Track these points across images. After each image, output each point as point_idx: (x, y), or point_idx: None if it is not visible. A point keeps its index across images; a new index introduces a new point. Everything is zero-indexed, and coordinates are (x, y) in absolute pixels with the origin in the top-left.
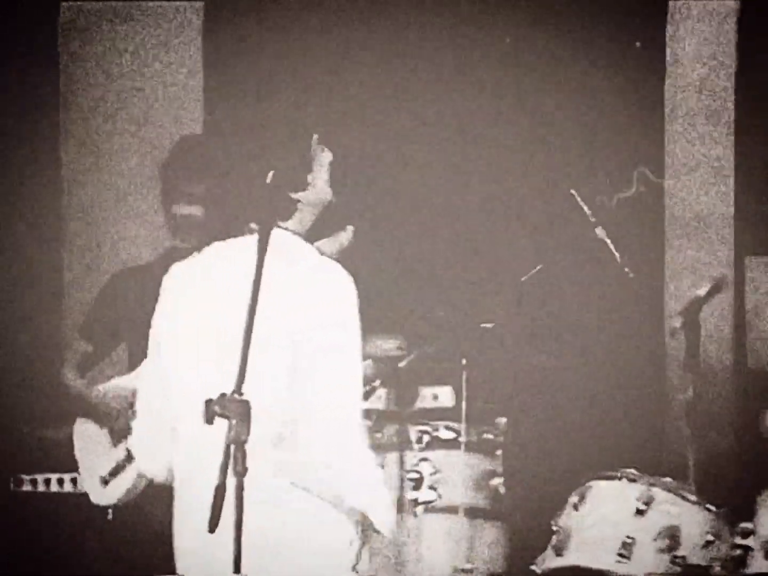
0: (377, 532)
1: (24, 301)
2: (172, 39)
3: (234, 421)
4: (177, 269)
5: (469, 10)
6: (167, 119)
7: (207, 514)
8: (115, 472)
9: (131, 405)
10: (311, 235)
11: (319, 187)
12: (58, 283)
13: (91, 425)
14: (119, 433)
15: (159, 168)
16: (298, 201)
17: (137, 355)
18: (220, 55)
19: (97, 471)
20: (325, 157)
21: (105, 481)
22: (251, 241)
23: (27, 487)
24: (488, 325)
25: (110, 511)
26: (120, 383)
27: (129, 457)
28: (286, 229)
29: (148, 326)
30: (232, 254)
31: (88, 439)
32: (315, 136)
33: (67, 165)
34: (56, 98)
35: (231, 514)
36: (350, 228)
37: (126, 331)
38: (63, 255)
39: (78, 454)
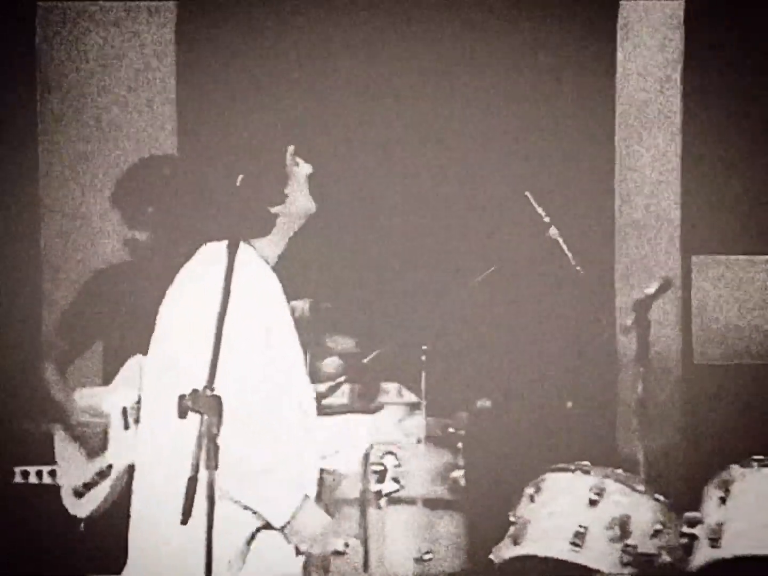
0: (272, 526)
1: (3, 298)
2: (146, 40)
3: (206, 416)
4: (179, 274)
5: (438, 21)
6: (141, 121)
7: (169, 507)
8: (88, 486)
9: (106, 419)
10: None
11: (296, 199)
12: (37, 281)
13: (68, 440)
14: (94, 450)
15: (110, 195)
16: (277, 215)
17: (112, 354)
18: (194, 60)
19: (72, 483)
20: (302, 169)
21: (79, 494)
22: (220, 247)
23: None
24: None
25: (82, 524)
26: (97, 394)
27: (102, 474)
28: (251, 244)
29: (123, 325)
30: (208, 262)
31: (65, 452)
32: (291, 148)
33: (45, 164)
34: (33, 99)
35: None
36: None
37: (101, 330)
38: (41, 254)
39: (58, 462)
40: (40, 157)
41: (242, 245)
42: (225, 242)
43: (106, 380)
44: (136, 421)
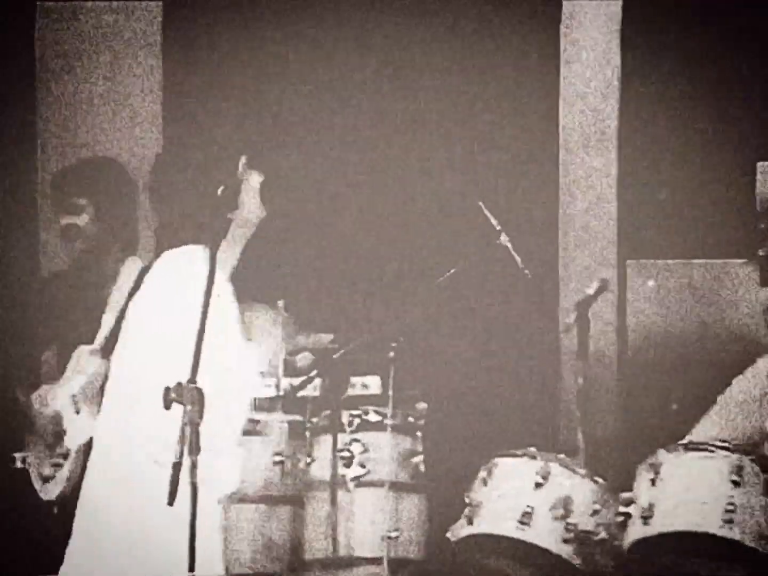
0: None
1: None
2: (131, 39)
3: (189, 407)
4: (152, 269)
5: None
6: (127, 119)
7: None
8: (53, 471)
9: (59, 409)
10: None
11: (248, 206)
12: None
13: (32, 433)
14: (54, 439)
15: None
16: (231, 221)
17: (66, 357)
18: (179, 64)
19: (39, 470)
20: (254, 179)
21: (46, 479)
22: (198, 251)
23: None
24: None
25: (55, 507)
26: (51, 390)
27: (64, 457)
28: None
29: (74, 327)
30: (183, 264)
31: (32, 444)
32: (243, 158)
33: (43, 161)
34: (33, 98)
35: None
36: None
37: (55, 335)
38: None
39: (30, 454)
40: (38, 153)
41: (201, 249)
42: (189, 247)
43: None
44: (86, 403)
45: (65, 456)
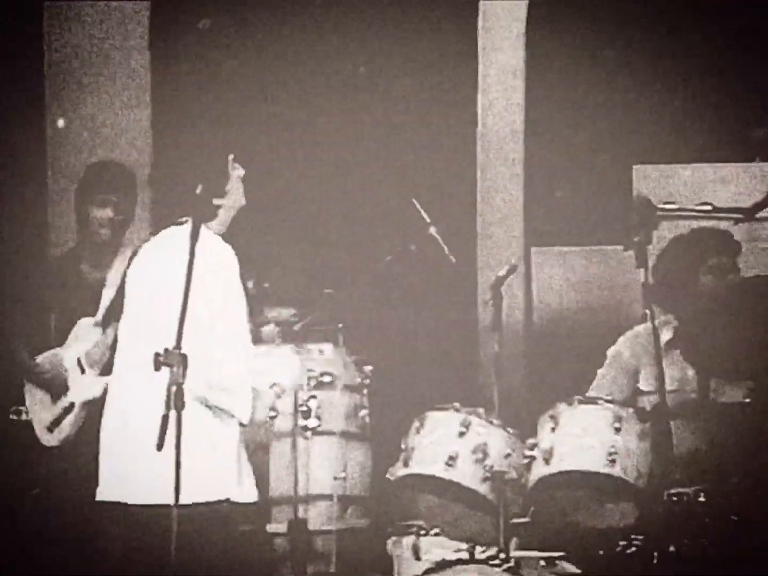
0: (242, 424)
1: None
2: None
3: (174, 368)
4: (141, 251)
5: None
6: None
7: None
8: (56, 422)
9: (65, 370)
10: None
11: (234, 194)
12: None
13: (35, 389)
14: (57, 394)
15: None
16: (219, 206)
17: (62, 324)
18: (168, 65)
19: (43, 422)
20: (238, 172)
21: (50, 429)
22: (185, 229)
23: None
24: (329, 291)
25: (58, 450)
26: (56, 352)
27: (66, 410)
28: (208, 227)
29: (71, 300)
30: (169, 241)
31: (34, 398)
32: (231, 156)
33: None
34: (42, 101)
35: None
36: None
37: (56, 307)
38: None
39: (29, 408)
40: (48, 151)
41: (203, 226)
42: (185, 224)
43: (59, 344)
44: (90, 366)
45: (67, 409)
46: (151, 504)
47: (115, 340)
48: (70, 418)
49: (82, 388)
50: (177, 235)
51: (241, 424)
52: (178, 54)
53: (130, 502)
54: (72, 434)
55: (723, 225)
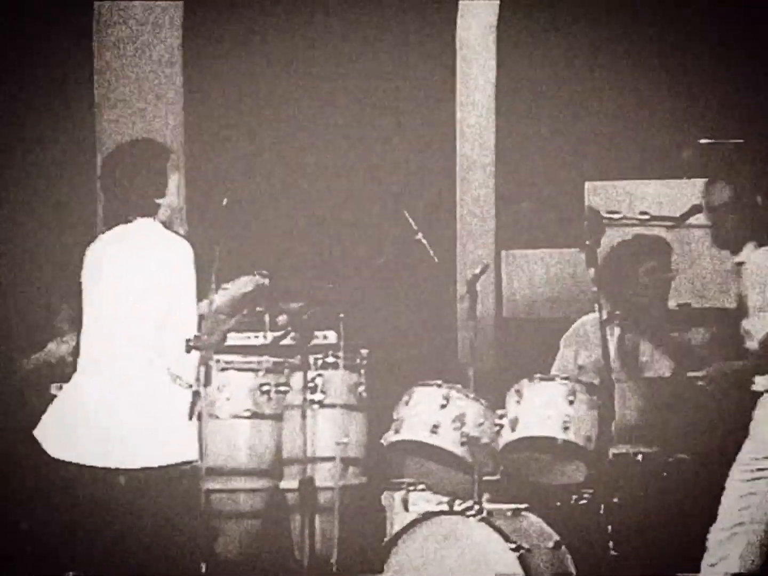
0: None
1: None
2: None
3: (204, 352)
4: (93, 247)
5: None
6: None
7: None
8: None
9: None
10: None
11: (171, 196)
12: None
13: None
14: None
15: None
16: (159, 205)
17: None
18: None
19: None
20: (175, 177)
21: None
22: (136, 225)
23: None
24: (331, 286)
25: None
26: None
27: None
28: (155, 220)
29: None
30: (125, 236)
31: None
32: (172, 157)
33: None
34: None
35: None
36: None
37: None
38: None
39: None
40: (97, 139)
41: (153, 222)
42: (134, 222)
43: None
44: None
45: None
46: (176, 463)
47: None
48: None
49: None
50: (129, 231)
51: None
52: (208, 50)
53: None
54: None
55: (657, 231)
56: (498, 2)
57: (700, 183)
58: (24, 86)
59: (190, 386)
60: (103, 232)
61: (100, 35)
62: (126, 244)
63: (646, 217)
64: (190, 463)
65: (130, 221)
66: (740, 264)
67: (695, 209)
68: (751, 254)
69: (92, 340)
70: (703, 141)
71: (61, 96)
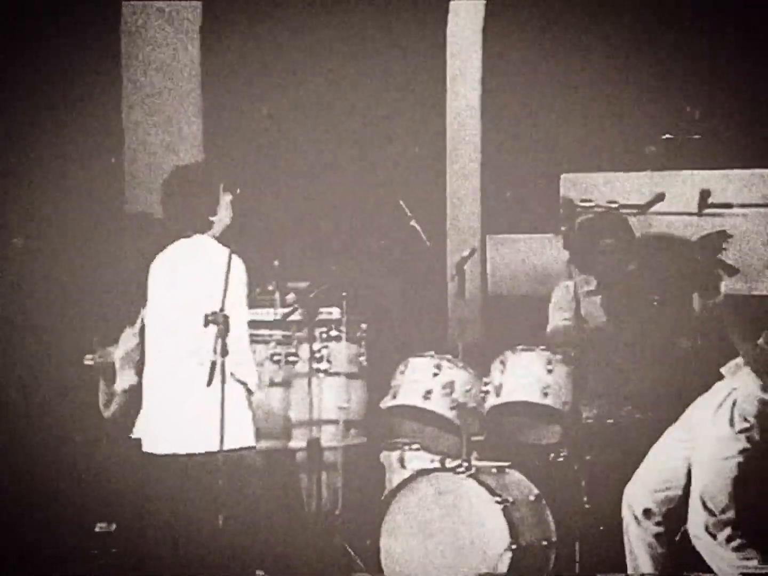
0: (250, 390)
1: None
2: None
3: (220, 326)
4: (157, 259)
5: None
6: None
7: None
8: (107, 403)
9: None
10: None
11: (222, 213)
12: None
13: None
14: (108, 382)
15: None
16: (212, 222)
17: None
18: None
19: (100, 401)
20: (226, 197)
21: (105, 406)
22: (194, 241)
23: None
24: (335, 268)
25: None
26: (110, 350)
27: (111, 396)
28: (212, 236)
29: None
30: (188, 249)
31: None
32: (221, 185)
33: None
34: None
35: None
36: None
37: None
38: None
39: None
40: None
41: (208, 238)
42: (192, 238)
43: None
44: (129, 363)
45: (112, 394)
46: (196, 452)
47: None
48: (114, 402)
49: (122, 380)
50: (188, 245)
51: (249, 391)
52: (226, 47)
53: (180, 452)
54: (117, 412)
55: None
56: (484, 3)
57: (662, 175)
58: (53, 84)
59: (250, 391)
60: (161, 246)
61: (127, 34)
62: (186, 258)
63: (615, 205)
64: (249, 449)
65: (189, 236)
66: None
67: (658, 198)
68: None
69: (156, 339)
70: (665, 137)
71: (88, 94)
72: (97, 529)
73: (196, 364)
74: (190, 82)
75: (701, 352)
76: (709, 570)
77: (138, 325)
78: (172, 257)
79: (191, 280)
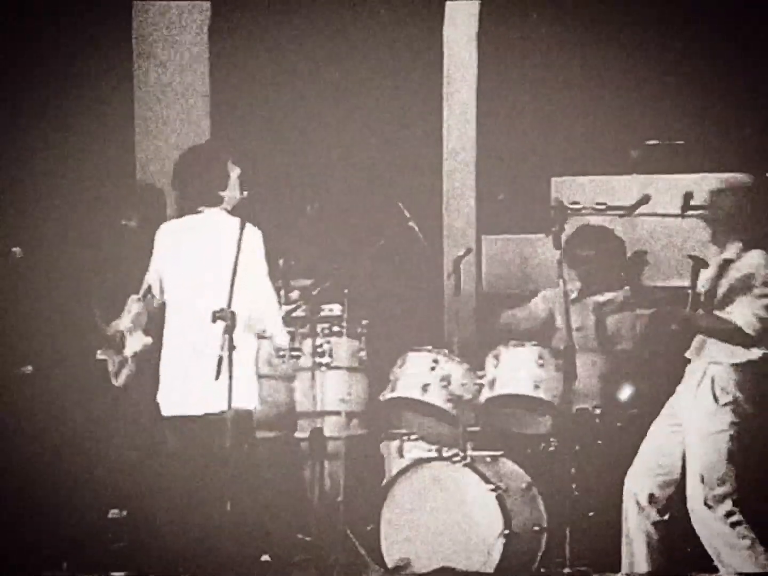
0: (282, 347)
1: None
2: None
3: (227, 322)
4: (164, 231)
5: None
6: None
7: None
8: (117, 372)
9: (121, 335)
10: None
11: (232, 188)
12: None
13: (106, 349)
14: (117, 351)
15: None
16: (223, 197)
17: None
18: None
19: (110, 371)
20: (236, 172)
21: (116, 375)
22: (206, 216)
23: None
24: (337, 266)
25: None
26: (116, 322)
27: (122, 364)
28: (224, 209)
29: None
30: (198, 223)
31: (106, 353)
32: (230, 160)
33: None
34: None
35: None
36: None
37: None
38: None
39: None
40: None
41: (219, 210)
42: (203, 213)
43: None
44: (137, 328)
45: (122, 362)
46: (205, 413)
47: (151, 308)
48: (125, 369)
49: (132, 344)
50: (201, 220)
51: (280, 349)
52: (234, 45)
53: (188, 413)
54: (128, 380)
55: (610, 219)
56: (478, 6)
57: (646, 178)
58: (65, 83)
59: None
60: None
61: (138, 33)
62: (200, 230)
63: (602, 207)
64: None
65: (200, 212)
66: (728, 261)
67: (644, 200)
68: (742, 254)
69: (174, 309)
70: (649, 143)
71: (100, 94)
72: (110, 516)
73: (213, 332)
74: (200, 81)
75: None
76: (710, 569)
77: (143, 290)
78: (183, 227)
79: (203, 250)
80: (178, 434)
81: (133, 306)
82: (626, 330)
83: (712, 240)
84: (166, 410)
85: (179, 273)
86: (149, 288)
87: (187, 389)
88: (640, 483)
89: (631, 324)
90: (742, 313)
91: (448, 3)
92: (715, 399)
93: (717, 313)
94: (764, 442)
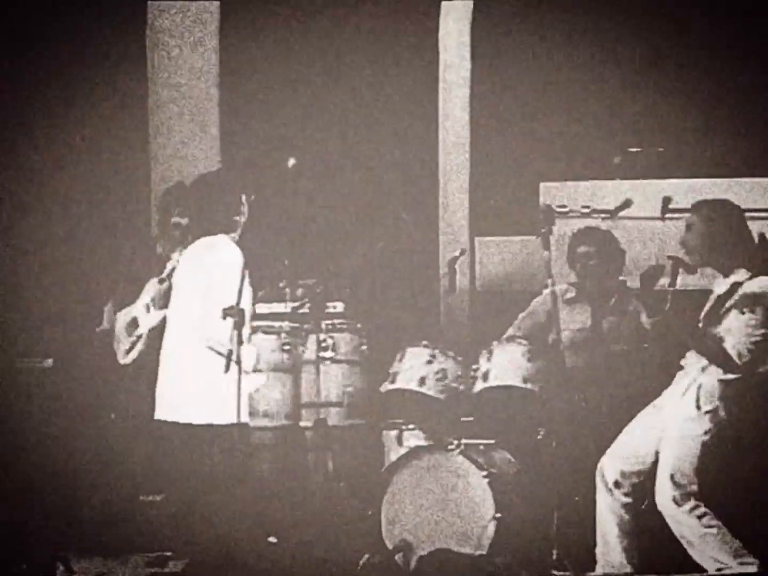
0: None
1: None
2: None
3: (236, 318)
4: (186, 251)
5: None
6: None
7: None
8: (131, 348)
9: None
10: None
11: (245, 216)
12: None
13: (120, 330)
14: (131, 330)
15: (160, 196)
16: (237, 221)
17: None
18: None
19: (123, 348)
20: (247, 204)
21: (127, 352)
22: (215, 239)
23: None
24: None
25: (130, 368)
26: (129, 309)
27: (137, 340)
28: (232, 237)
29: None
30: (210, 246)
31: (118, 337)
32: (243, 196)
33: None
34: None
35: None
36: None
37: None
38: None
39: (117, 339)
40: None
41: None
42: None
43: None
44: (155, 306)
45: (138, 338)
46: (214, 424)
47: (168, 297)
48: (139, 345)
49: (148, 321)
50: (211, 242)
51: (245, 372)
52: (244, 44)
53: (189, 421)
54: (140, 357)
55: (595, 222)
56: (472, 7)
57: (629, 183)
58: (80, 82)
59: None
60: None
61: (151, 33)
62: (197, 255)
63: (588, 210)
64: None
65: (214, 234)
66: (737, 284)
67: (626, 204)
68: (746, 280)
69: (171, 323)
70: (631, 149)
71: (114, 93)
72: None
73: (193, 343)
74: (209, 81)
75: (659, 353)
76: (701, 570)
77: (167, 271)
78: (188, 254)
79: (194, 272)
80: (183, 437)
81: (152, 286)
82: (623, 330)
83: (718, 268)
84: (167, 416)
85: (177, 293)
86: (168, 274)
87: (188, 395)
88: (611, 469)
89: (627, 325)
90: (733, 342)
91: (443, 3)
92: (698, 406)
93: (713, 331)
94: (736, 447)
